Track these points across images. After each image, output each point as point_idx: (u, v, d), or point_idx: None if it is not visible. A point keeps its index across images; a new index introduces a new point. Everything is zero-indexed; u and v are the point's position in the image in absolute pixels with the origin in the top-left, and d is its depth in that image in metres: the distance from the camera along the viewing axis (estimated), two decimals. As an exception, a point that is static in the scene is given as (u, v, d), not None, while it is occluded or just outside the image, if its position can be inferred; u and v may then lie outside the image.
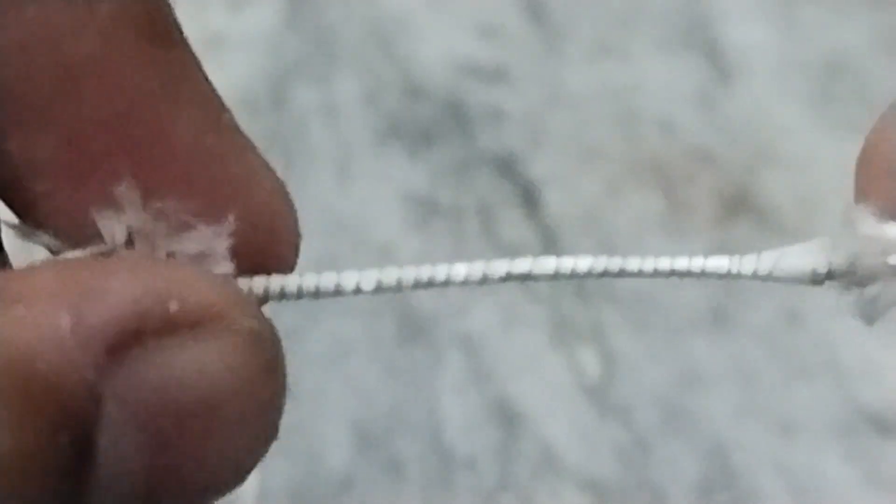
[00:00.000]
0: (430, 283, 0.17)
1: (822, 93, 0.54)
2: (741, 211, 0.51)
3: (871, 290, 0.17)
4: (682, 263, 0.18)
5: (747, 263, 0.18)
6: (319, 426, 0.46)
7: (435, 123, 0.55)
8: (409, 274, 0.17)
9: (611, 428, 0.46)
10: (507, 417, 0.46)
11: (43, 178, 0.16)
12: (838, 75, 0.54)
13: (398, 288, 0.17)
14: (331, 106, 0.55)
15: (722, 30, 0.58)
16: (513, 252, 0.50)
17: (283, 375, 0.16)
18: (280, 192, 0.17)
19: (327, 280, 0.17)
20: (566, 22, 0.58)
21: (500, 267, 0.17)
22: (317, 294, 0.17)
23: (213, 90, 0.16)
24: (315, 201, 0.50)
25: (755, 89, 0.56)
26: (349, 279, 0.17)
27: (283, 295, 0.17)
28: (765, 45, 0.57)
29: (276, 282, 0.17)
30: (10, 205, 0.16)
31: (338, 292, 0.17)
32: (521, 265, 0.18)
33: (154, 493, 0.15)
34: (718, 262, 0.18)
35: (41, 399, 0.14)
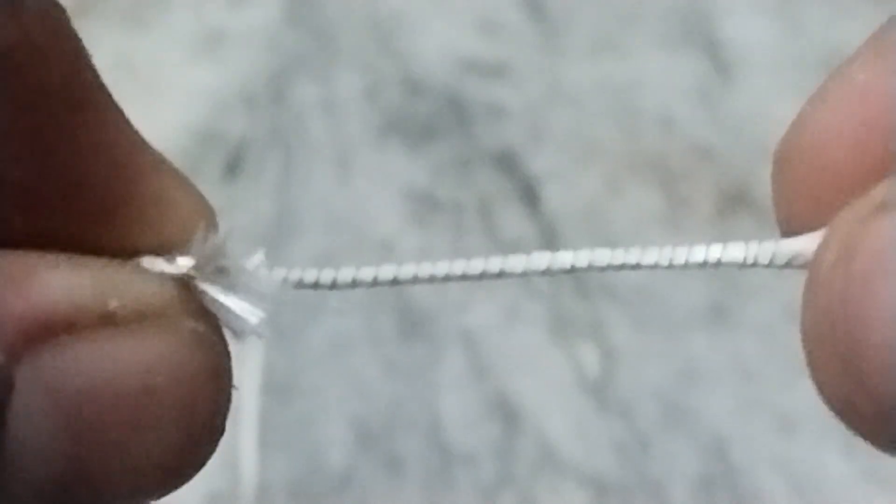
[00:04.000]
0: (440, 278, 0.17)
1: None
2: (741, 207, 0.51)
3: None
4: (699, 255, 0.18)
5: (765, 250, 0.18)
6: (319, 423, 0.46)
7: (435, 119, 0.55)
8: (425, 270, 0.17)
9: (610, 424, 0.46)
10: (507, 413, 0.46)
11: None
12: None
13: (414, 281, 0.17)
14: (331, 102, 0.55)
15: (722, 26, 0.58)
16: (513, 248, 0.50)
17: (227, 382, 0.16)
18: (200, 211, 0.17)
19: (345, 274, 0.17)
20: (566, 18, 0.58)
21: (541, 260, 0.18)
22: (334, 285, 0.17)
23: (133, 129, 0.16)
24: (315, 197, 0.50)
25: (755, 85, 0.56)
26: (366, 274, 0.17)
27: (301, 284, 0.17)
28: (764, 41, 0.57)
29: (294, 273, 0.17)
30: None
31: (355, 284, 0.17)
32: (556, 260, 0.18)
33: (72, 485, 0.15)
34: (734, 253, 0.18)
35: None
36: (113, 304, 0.15)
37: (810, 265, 0.16)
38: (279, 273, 0.17)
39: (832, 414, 0.16)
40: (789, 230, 0.18)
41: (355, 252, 0.50)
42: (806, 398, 0.51)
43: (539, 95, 0.56)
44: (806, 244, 0.17)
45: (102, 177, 0.16)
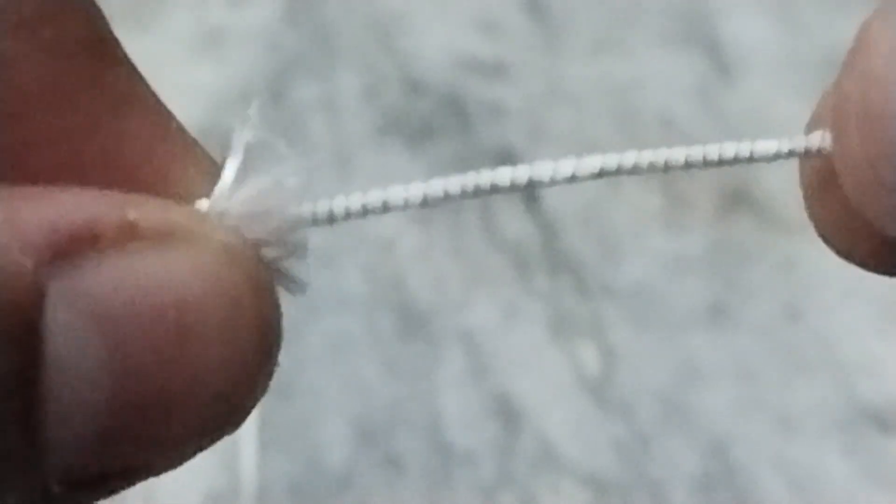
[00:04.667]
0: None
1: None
2: (740, 206, 0.51)
3: None
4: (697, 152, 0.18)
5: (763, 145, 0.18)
6: (319, 422, 0.46)
7: (434, 118, 0.55)
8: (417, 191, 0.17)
9: (610, 423, 0.46)
10: (507, 413, 0.46)
11: None
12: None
13: (442, 200, 0.18)
14: (330, 101, 0.55)
15: (721, 25, 0.58)
16: (513, 248, 0.50)
17: (272, 298, 0.15)
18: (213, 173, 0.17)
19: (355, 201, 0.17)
20: (566, 17, 0.58)
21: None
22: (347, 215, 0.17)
23: (158, 99, 0.16)
24: (314, 196, 0.50)
25: (754, 85, 0.56)
26: (396, 194, 0.17)
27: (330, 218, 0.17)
28: (764, 40, 0.57)
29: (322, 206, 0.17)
30: None
31: (384, 208, 0.17)
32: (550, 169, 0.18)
33: (120, 410, 0.14)
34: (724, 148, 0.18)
35: None
36: (132, 214, 0.14)
37: (858, 34, 0.17)
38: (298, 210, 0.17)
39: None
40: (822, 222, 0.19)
41: (355, 251, 0.50)
42: (805, 397, 0.51)
43: (539, 95, 0.56)
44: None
45: (131, 153, 0.16)
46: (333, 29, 0.58)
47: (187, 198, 0.16)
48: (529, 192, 0.52)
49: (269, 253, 0.16)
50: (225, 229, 0.15)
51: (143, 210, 0.14)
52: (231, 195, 0.16)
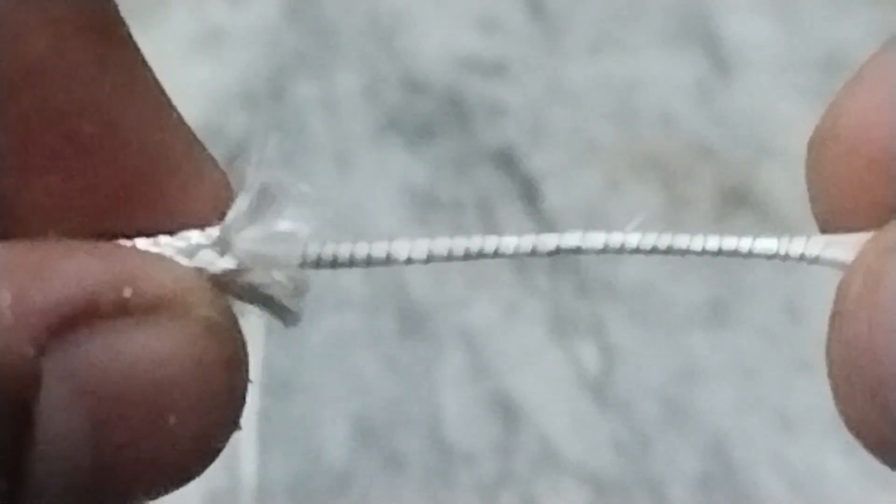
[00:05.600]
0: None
1: (822, 87, 0.54)
2: (741, 205, 0.51)
3: None
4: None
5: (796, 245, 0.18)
6: (319, 421, 0.46)
7: (434, 117, 0.55)
8: (460, 245, 0.18)
9: (610, 422, 0.46)
10: (507, 412, 0.46)
11: None
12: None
13: (449, 258, 0.18)
14: (330, 100, 0.55)
15: (721, 24, 0.58)
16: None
17: (243, 370, 0.16)
18: (226, 185, 0.17)
19: (378, 249, 0.17)
20: (566, 16, 0.58)
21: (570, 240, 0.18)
22: (368, 262, 0.17)
23: (161, 89, 0.16)
24: (314, 195, 0.50)
25: (755, 83, 0.56)
26: (401, 248, 0.17)
27: (336, 262, 0.17)
28: (764, 39, 0.57)
29: (328, 249, 0.17)
30: None
31: (387, 261, 0.17)
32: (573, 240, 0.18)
33: (99, 477, 0.15)
34: (767, 244, 0.18)
35: None
36: (128, 292, 0.15)
37: (837, 293, 0.16)
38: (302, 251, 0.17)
39: (837, 419, 0.16)
40: (826, 217, 0.18)
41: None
42: (805, 397, 0.51)
43: (539, 94, 0.56)
44: (839, 247, 0.17)
45: (132, 130, 0.16)
46: (333, 28, 0.58)
47: (181, 195, 0.16)
48: (529, 192, 0.52)
49: (268, 287, 0.17)
50: (208, 300, 0.16)
51: (137, 285, 0.15)
52: (240, 227, 0.16)
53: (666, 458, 0.45)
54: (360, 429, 0.46)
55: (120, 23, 0.16)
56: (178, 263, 0.16)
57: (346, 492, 0.44)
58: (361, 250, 0.17)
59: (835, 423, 0.16)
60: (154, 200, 0.16)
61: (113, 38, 0.16)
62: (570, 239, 0.18)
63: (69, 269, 0.15)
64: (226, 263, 0.17)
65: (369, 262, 0.18)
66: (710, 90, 0.56)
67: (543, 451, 0.45)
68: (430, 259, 0.18)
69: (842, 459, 0.45)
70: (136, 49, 0.16)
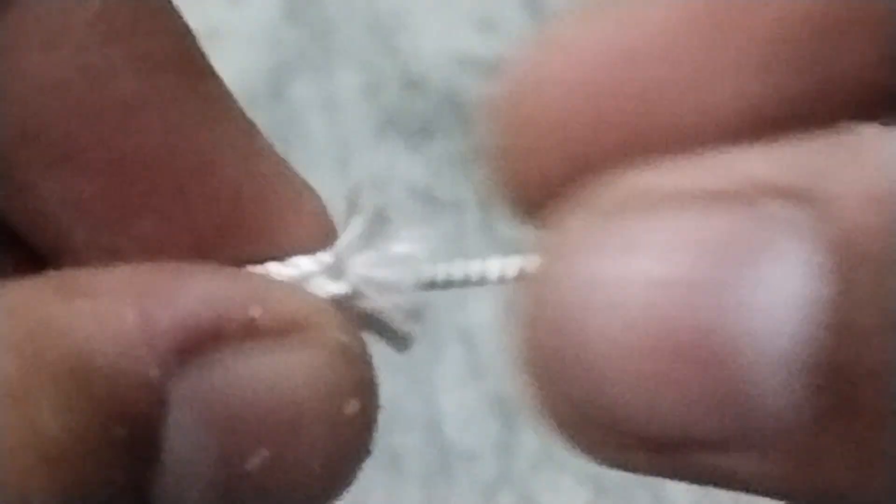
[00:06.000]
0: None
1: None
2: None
3: None
4: None
5: None
6: (319, 420, 0.46)
7: (434, 117, 0.55)
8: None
9: (610, 421, 0.46)
10: (507, 411, 0.46)
11: (83, 219, 0.15)
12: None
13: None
14: (330, 99, 0.55)
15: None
16: (513, 246, 0.49)
17: (374, 394, 0.16)
18: (324, 210, 0.17)
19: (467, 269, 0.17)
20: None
21: None
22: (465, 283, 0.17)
23: (246, 115, 0.16)
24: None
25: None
26: (494, 267, 0.17)
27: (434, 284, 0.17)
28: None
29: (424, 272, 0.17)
30: (32, 241, 0.16)
31: (482, 281, 0.17)
32: None
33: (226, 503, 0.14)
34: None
35: (95, 389, 0.13)
36: (256, 311, 0.14)
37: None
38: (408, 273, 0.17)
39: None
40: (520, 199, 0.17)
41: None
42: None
43: (538, 93, 0.56)
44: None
45: (227, 163, 0.15)
46: (333, 27, 0.58)
47: (281, 222, 0.16)
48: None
49: (382, 312, 0.16)
50: (340, 324, 0.15)
51: (266, 305, 0.14)
52: (353, 252, 0.16)
53: (665, 456, 0.45)
54: (360, 428, 0.46)
55: (199, 54, 0.16)
56: (302, 287, 0.16)
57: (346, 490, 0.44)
58: (474, 269, 0.17)
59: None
60: (254, 230, 0.16)
61: (195, 71, 0.16)
62: None
63: (195, 288, 0.14)
64: (339, 289, 0.16)
65: (482, 281, 0.17)
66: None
67: (543, 450, 0.45)
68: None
69: (841, 458, 0.45)
70: (219, 79, 0.16)
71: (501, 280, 0.17)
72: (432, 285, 0.17)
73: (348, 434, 0.15)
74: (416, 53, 0.57)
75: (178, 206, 0.15)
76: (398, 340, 0.17)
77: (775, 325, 0.12)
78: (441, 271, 0.17)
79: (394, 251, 0.16)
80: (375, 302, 0.16)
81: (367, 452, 0.16)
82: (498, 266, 0.17)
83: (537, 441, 0.46)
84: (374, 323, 0.16)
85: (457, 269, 0.17)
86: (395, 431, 0.46)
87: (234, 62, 0.56)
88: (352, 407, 0.15)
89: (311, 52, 0.57)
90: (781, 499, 0.14)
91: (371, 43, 0.57)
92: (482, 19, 0.58)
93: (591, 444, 0.14)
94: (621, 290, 0.13)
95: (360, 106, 0.55)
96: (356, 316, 0.16)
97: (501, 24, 0.58)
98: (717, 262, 0.12)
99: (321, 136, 0.54)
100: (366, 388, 0.16)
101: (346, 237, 0.16)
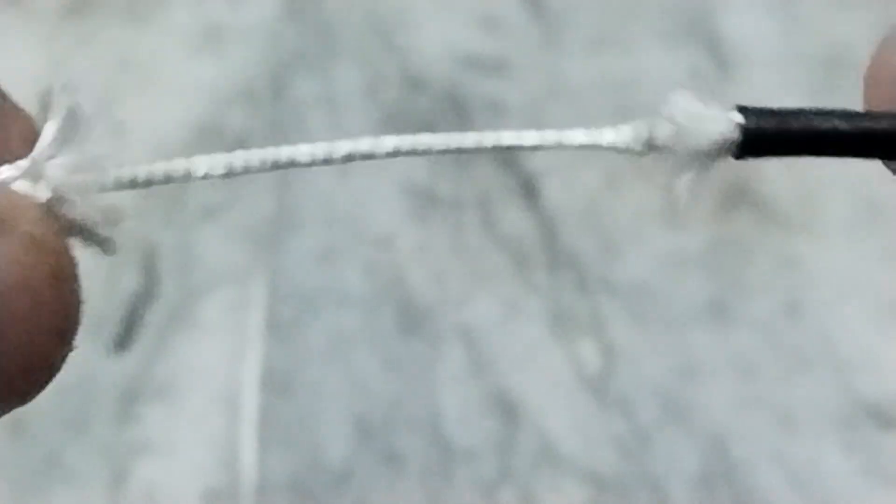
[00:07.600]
0: (278, 165, 0.17)
1: (823, 85, 0.54)
2: (741, 204, 0.51)
3: (687, 167, 0.18)
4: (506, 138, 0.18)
5: (574, 135, 0.18)
6: (319, 419, 0.46)
7: (434, 115, 0.55)
8: (255, 156, 0.17)
9: (610, 420, 0.46)
10: (507, 409, 0.46)
11: None
12: (839, 68, 0.54)
13: (246, 171, 0.18)
14: (330, 97, 0.55)
15: (722, 22, 0.58)
16: (513, 245, 0.50)
17: (72, 284, 0.16)
18: (34, 123, 0.17)
19: (177, 166, 0.17)
20: (566, 14, 0.58)
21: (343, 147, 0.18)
22: (167, 179, 0.17)
23: None
24: (314, 192, 0.50)
25: (755, 81, 0.56)
26: (200, 164, 0.17)
27: (135, 182, 0.17)
28: (765, 37, 0.57)
29: (126, 171, 0.17)
30: None
31: (186, 177, 0.17)
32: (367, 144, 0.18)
33: None
34: (535, 136, 0.18)
35: None
36: None
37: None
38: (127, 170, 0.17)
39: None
40: None
41: (355, 248, 0.49)
42: (805, 394, 0.51)
43: (539, 91, 0.56)
44: (634, 126, 0.17)
45: None
46: (333, 25, 0.58)
47: (4, 155, 0.16)
48: (529, 190, 0.52)
49: (83, 216, 0.16)
50: (33, 217, 0.16)
51: None
52: (49, 157, 0.16)
53: (666, 455, 0.45)
54: (360, 427, 0.46)
55: None
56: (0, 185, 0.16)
57: (346, 489, 0.44)
58: (159, 169, 0.17)
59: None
60: None
61: None
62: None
63: None
64: (39, 193, 0.16)
65: (168, 179, 0.17)
66: (711, 88, 0.56)
67: (543, 449, 0.45)
68: (228, 174, 0.17)
69: (842, 457, 0.45)
70: None
71: (207, 176, 0.17)
72: (133, 184, 0.17)
73: (45, 323, 0.16)
74: (417, 52, 0.57)
75: None
76: (102, 244, 0.17)
77: None
78: (142, 170, 0.17)
79: (90, 152, 0.17)
80: (77, 206, 0.16)
81: (69, 347, 0.16)
82: (196, 164, 0.17)
83: (538, 440, 0.46)
84: (76, 228, 0.17)
85: (157, 167, 0.17)
86: (395, 430, 0.46)
87: (234, 60, 0.56)
88: (46, 295, 0.15)
89: (311, 51, 0.57)
90: None
91: (371, 41, 0.57)
92: (483, 18, 0.58)
93: None
94: None
95: (361, 104, 0.55)
96: (62, 221, 0.16)
97: (502, 22, 0.58)
98: None
99: (322, 134, 0.54)
100: (61, 278, 0.16)
101: (42, 141, 0.16)
